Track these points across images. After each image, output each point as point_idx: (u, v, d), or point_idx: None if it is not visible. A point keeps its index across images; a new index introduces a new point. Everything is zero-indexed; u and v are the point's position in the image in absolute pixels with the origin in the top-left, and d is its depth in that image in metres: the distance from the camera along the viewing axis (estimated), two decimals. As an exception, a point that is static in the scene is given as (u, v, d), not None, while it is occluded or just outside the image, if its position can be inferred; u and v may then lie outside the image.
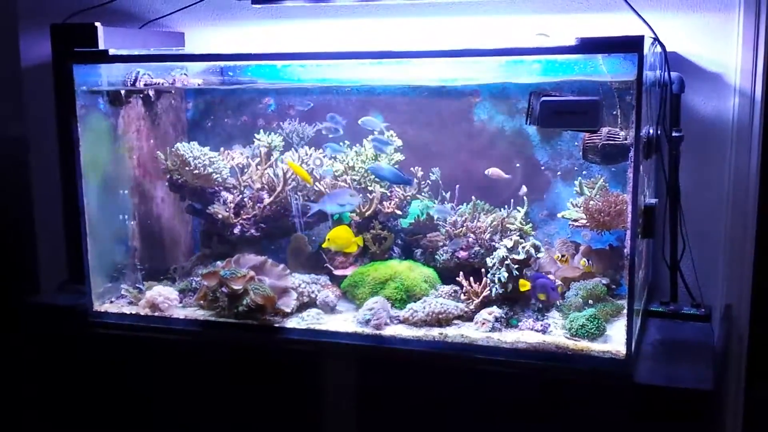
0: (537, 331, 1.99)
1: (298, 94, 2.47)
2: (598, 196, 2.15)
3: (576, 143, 2.30)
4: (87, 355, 2.27)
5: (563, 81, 2.03)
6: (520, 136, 2.38)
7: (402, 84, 2.34)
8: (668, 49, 2.10)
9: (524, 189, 2.31)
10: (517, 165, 2.38)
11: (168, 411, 2.22)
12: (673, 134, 2.22)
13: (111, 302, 2.34)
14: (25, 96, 2.83)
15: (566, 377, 1.87)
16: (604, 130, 1.98)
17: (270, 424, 2.13)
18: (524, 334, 1.98)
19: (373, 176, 2.35)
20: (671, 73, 2.19)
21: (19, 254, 2.81)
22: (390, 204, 2.34)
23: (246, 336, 2.14)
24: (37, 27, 2.61)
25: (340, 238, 2.26)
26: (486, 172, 2.29)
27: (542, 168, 2.38)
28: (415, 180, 2.34)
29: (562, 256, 2.22)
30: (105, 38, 2.34)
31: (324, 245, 2.28)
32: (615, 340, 1.94)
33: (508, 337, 1.97)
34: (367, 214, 2.34)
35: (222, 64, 2.20)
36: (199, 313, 2.23)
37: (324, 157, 2.40)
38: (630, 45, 1.76)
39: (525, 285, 2.04)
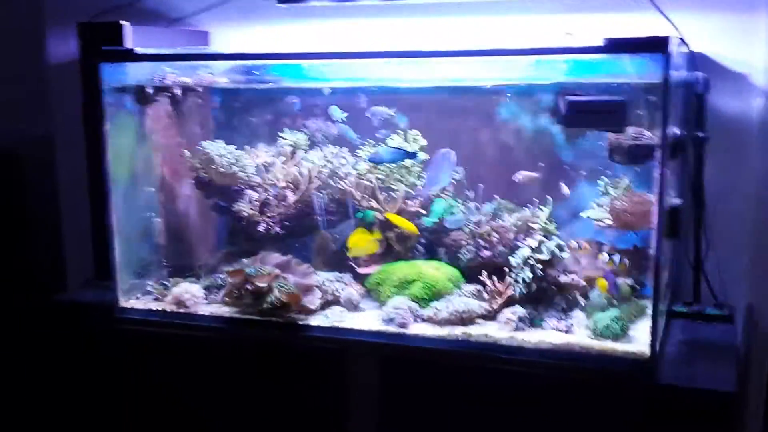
0: (561, 331, 2.00)
1: (324, 93, 2.48)
2: (622, 195, 2.14)
3: (600, 142, 2.29)
4: (113, 351, 2.29)
5: (588, 81, 2.03)
6: (544, 135, 2.38)
7: (427, 85, 2.33)
8: (693, 50, 2.10)
9: (566, 189, 2.30)
10: (541, 164, 2.38)
11: (193, 407, 2.25)
12: (698, 135, 2.21)
13: (137, 299, 2.37)
14: (51, 94, 2.86)
15: (590, 378, 1.87)
16: (630, 130, 1.98)
17: (293, 422, 2.15)
18: (548, 334, 1.99)
19: (378, 164, 2.35)
20: (696, 73, 2.19)
21: (46, 252, 2.85)
22: (414, 203, 2.34)
23: (270, 333, 2.15)
24: (64, 25, 2.64)
25: (360, 242, 2.27)
26: (514, 178, 2.29)
27: (566, 167, 2.37)
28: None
29: (580, 246, 2.21)
30: (131, 37, 2.37)
31: (349, 254, 2.29)
32: (639, 341, 1.94)
33: (532, 336, 1.98)
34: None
35: (249, 63, 2.22)
36: (224, 310, 2.25)
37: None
38: (656, 45, 1.75)
39: (603, 286, 2.04)
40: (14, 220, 2.88)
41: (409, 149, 2.32)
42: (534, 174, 2.29)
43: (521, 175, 2.29)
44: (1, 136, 2.91)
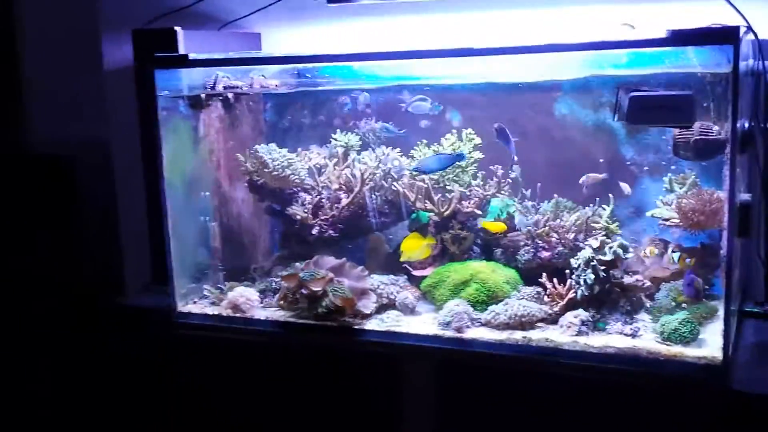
0: (626, 335, 1.92)
1: (377, 93, 2.44)
2: (690, 193, 2.05)
3: (664, 137, 2.21)
4: (172, 355, 2.31)
5: (650, 74, 1.95)
6: (604, 131, 2.30)
7: (480, 81, 2.28)
8: (760, 37, 1.99)
9: (627, 188, 2.23)
10: (601, 160, 2.30)
11: (248, 413, 2.24)
12: (767, 126, 2.11)
13: (194, 303, 2.38)
14: (107, 100, 2.89)
15: (659, 384, 1.79)
16: (696, 124, 1.89)
17: (349, 428, 2.12)
18: (613, 339, 1.91)
19: (427, 175, 2.31)
20: (765, 61, 2.08)
21: (104, 256, 2.89)
22: (469, 203, 2.29)
23: (326, 338, 2.13)
24: (120, 31, 2.66)
25: (413, 246, 2.25)
26: (581, 181, 2.23)
27: (628, 163, 2.29)
28: (495, 178, 2.29)
29: (646, 251, 2.14)
30: (184, 42, 2.37)
31: (401, 259, 2.26)
32: (710, 345, 1.85)
33: (596, 341, 1.90)
34: (446, 214, 2.30)
35: (300, 66, 2.20)
36: (280, 314, 2.24)
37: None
38: (726, 36, 1.66)
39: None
40: (72, 224, 2.92)
41: (456, 152, 2.26)
42: (600, 176, 2.23)
43: (588, 178, 2.23)
44: (59, 142, 2.95)
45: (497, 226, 2.25)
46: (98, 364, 2.53)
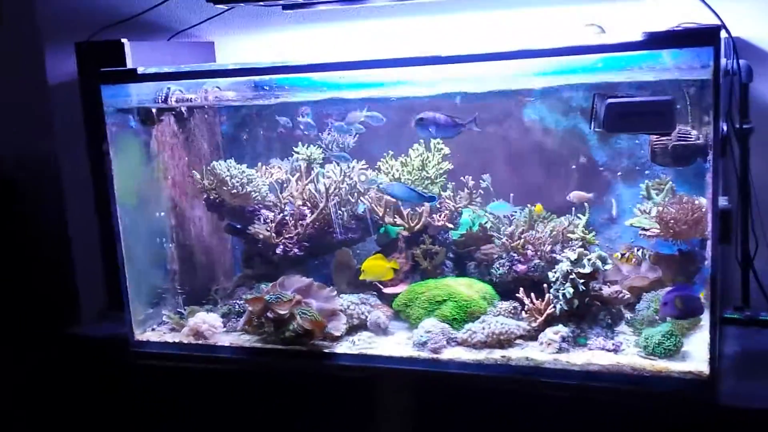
0: (608, 350, 1.85)
1: (337, 103, 2.34)
2: (667, 199, 1.98)
3: (637, 141, 2.15)
4: (130, 387, 2.18)
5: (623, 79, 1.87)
6: (575, 135, 2.23)
7: (446, 90, 2.19)
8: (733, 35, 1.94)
9: (614, 206, 2.19)
10: (573, 166, 2.23)
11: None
12: (743, 126, 2.05)
13: (153, 330, 2.25)
14: (54, 115, 2.75)
15: (645, 402, 1.72)
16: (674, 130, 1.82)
17: (324, 457, 2.02)
18: (595, 355, 1.84)
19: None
20: (739, 61, 2.03)
21: (57, 282, 2.74)
22: (440, 217, 2.20)
23: (295, 363, 2.03)
24: (63, 44, 2.52)
25: (375, 268, 2.17)
26: (568, 197, 2.17)
27: (600, 169, 2.23)
28: (466, 189, 2.20)
29: (623, 254, 2.07)
30: (132, 54, 2.24)
31: (361, 277, 2.18)
32: (695, 358, 1.79)
33: (578, 358, 1.83)
34: (416, 228, 2.21)
35: (256, 78, 2.08)
36: (244, 339, 2.12)
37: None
38: (705, 37, 1.59)
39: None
40: (22, 247, 2.77)
41: (428, 193, 2.18)
42: (587, 195, 2.17)
43: (573, 196, 2.17)
44: (2, 161, 2.79)
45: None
46: (51, 398, 2.38)
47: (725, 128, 1.87)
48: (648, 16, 2.14)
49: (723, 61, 1.93)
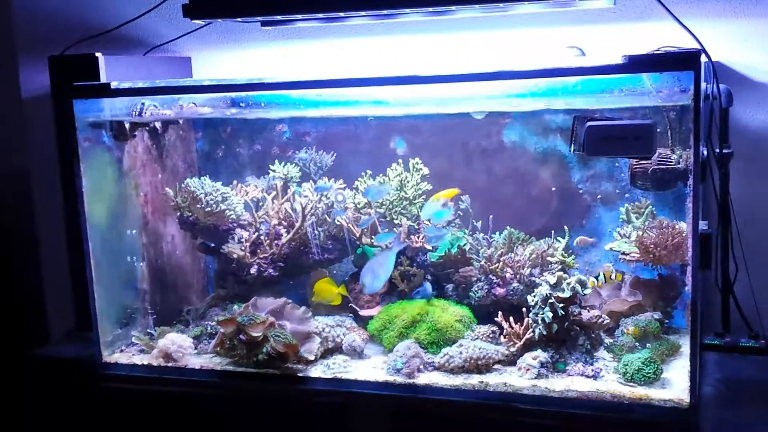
0: (588, 377, 1.81)
1: (314, 121, 2.31)
2: (647, 223, 1.96)
3: (617, 164, 2.13)
4: (96, 410, 2.11)
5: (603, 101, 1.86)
6: (555, 158, 2.21)
7: (426, 110, 2.16)
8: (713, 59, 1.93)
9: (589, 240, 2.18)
10: (553, 189, 2.21)
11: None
12: (723, 151, 2.04)
13: (121, 351, 2.19)
14: (26, 130, 2.69)
15: (626, 431, 1.69)
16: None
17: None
18: (574, 381, 1.80)
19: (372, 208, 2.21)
20: (720, 85, 2.02)
21: (26, 300, 2.66)
22: (419, 238, 2.16)
23: (267, 387, 1.98)
24: (37, 57, 2.47)
25: (323, 292, 2.17)
26: (575, 243, 2.17)
27: (580, 191, 2.21)
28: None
29: (597, 277, 2.04)
30: (107, 69, 2.19)
31: (312, 299, 2.17)
32: (674, 385, 1.76)
33: (557, 385, 1.79)
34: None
35: (233, 95, 2.04)
36: (216, 362, 2.07)
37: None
38: (686, 61, 1.58)
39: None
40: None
41: (403, 241, 2.15)
42: (590, 239, 2.17)
43: (580, 240, 2.17)
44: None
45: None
46: (15, 420, 2.30)
47: (705, 152, 1.85)
48: (629, 39, 2.14)
49: (703, 85, 1.92)
